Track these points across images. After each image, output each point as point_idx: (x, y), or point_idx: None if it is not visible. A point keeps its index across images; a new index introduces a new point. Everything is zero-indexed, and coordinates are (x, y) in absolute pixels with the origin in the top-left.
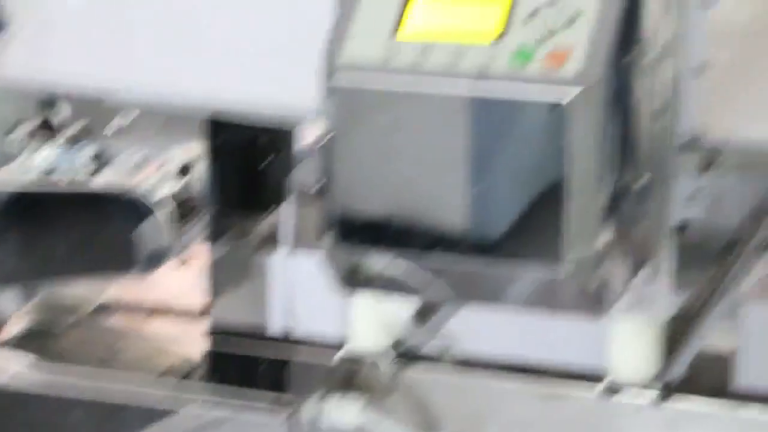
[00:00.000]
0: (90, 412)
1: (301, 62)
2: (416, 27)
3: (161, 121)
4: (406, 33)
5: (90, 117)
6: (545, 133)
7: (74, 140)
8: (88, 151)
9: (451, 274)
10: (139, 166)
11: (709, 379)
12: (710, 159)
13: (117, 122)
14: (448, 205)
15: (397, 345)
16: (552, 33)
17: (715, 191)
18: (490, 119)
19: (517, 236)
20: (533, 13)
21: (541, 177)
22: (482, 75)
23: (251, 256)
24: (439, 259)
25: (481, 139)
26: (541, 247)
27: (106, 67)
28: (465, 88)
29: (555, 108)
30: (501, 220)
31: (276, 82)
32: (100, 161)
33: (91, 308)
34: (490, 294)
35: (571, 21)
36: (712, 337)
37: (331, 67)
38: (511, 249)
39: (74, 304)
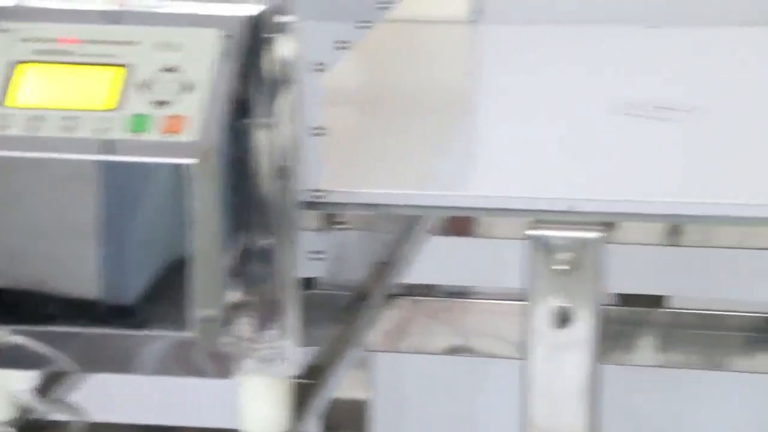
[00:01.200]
0: None
1: None
2: (28, 95)
3: None
4: (17, 101)
5: None
6: (166, 197)
7: None
8: None
9: (78, 344)
10: None
11: (346, 427)
12: (331, 217)
13: None
14: (71, 273)
15: (19, 417)
16: (167, 101)
17: (338, 248)
18: (111, 185)
19: (145, 302)
20: (147, 82)
21: (167, 241)
22: (101, 139)
23: None
24: (64, 329)
25: (104, 206)
26: (169, 310)
27: None
28: (83, 152)
29: (174, 172)
30: (128, 286)
31: None
32: None
33: None
34: (120, 362)
35: (185, 89)
36: (344, 387)
37: None
38: (140, 315)
39: None
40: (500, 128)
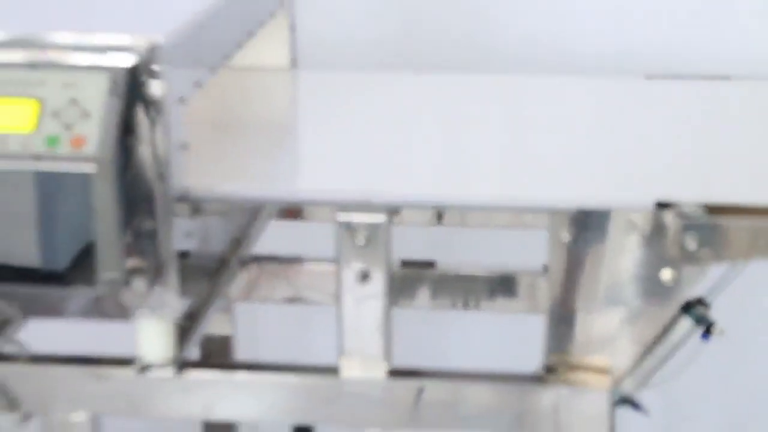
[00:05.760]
0: None
1: None
2: None
3: None
4: None
5: None
6: (79, 194)
7: None
8: None
9: (20, 296)
10: None
11: (216, 356)
12: (197, 207)
13: None
14: (19, 248)
15: None
16: (72, 125)
17: (204, 229)
18: (39, 185)
19: (70, 267)
20: (57, 111)
21: (82, 225)
22: (26, 155)
23: None
24: (9, 286)
25: (41, 201)
26: (86, 274)
27: None
28: (12, 165)
29: (81, 177)
30: (58, 257)
31: None
32: None
33: None
34: (52, 310)
35: (85, 116)
36: (214, 326)
37: None
38: (66, 276)
39: None
40: (320, 142)
